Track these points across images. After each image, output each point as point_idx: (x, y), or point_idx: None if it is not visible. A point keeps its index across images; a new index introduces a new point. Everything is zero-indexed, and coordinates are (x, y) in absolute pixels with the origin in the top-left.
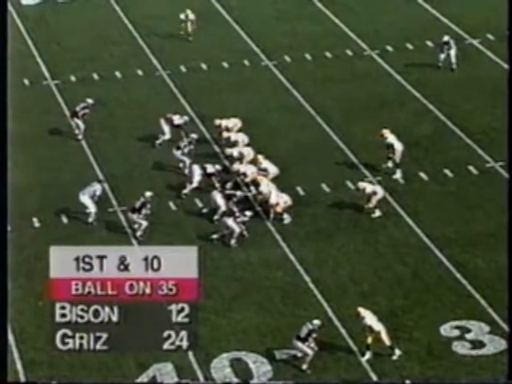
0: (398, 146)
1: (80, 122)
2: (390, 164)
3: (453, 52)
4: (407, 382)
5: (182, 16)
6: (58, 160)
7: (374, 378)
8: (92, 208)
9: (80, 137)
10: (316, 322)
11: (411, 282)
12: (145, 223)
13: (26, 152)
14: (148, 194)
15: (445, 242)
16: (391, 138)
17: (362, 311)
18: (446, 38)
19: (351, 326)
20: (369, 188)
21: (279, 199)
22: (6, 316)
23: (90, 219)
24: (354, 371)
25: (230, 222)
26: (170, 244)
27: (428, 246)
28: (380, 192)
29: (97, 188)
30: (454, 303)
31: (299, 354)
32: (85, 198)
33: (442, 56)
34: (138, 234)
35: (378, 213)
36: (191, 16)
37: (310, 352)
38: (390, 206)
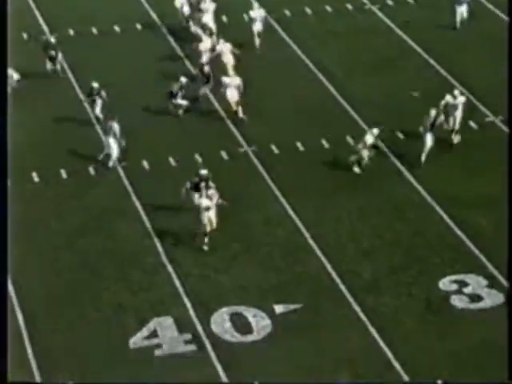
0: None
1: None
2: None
3: (462, 9)
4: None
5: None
6: (59, 118)
7: (375, 333)
8: (115, 151)
9: (180, 112)
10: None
11: (411, 240)
12: (185, 103)
13: (27, 109)
14: (183, 79)
15: (445, 199)
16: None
17: None
18: None
19: (351, 282)
20: (370, 140)
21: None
22: (6, 315)
23: (111, 163)
24: (354, 327)
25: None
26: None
27: (429, 203)
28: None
29: (112, 124)
30: (453, 259)
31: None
32: (110, 140)
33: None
34: (180, 112)
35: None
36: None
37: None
38: (391, 162)
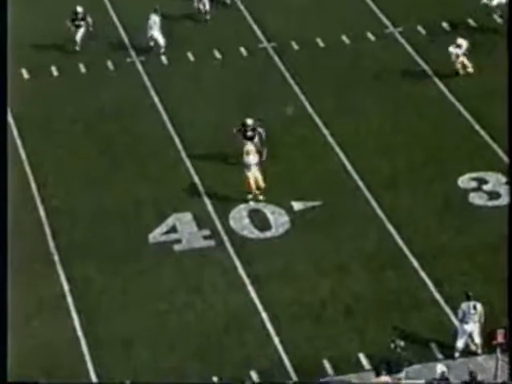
0: None
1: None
2: None
3: None
4: None
5: None
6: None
7: (392, 230)
8: (161, 41)
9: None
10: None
11: (430, 136)
12: (208, 7)
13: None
14: None
15: (464, 94)
16: None
17: None
18: None
19: (369, 178)
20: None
21: None
22: (6, 315)
23: (162, 50)
24: (371, 224)
25: None
26: None
27: (447, 98)
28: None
29: (153, 18)
30: (472, 154)
31: None
32: (154, 33)
33: None
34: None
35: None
36: None
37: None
38: (411, 60)
